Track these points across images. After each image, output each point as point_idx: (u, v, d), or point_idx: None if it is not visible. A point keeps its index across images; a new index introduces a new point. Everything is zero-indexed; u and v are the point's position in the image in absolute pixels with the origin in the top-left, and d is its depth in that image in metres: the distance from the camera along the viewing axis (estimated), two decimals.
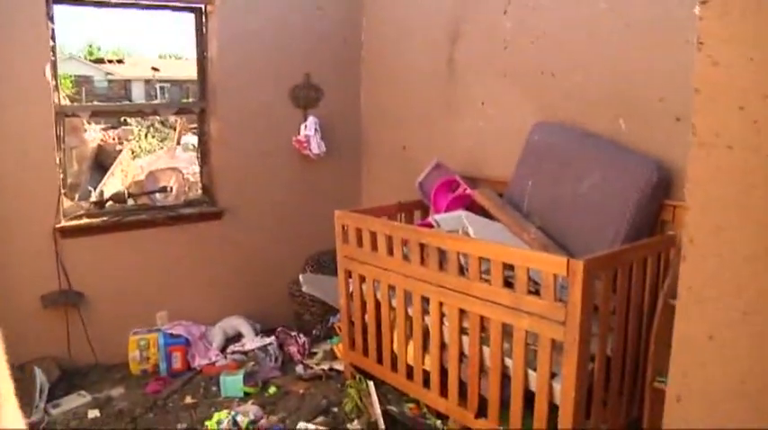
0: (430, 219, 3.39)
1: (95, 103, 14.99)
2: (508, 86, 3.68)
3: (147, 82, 25.80)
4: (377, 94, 4.73)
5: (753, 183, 1.08)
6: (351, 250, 3.57)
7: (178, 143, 10.74)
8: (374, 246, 3.38)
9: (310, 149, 4.47)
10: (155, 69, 25.97)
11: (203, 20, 4.26)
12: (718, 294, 1.15)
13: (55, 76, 3.79)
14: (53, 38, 3.76)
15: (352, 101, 4.84)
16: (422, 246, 3.08)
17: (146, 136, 13.20)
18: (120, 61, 27.54)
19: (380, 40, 4.64)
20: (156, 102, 17.70)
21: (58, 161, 3.82)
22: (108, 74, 25.39)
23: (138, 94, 24.92)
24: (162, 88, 25.39)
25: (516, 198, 3.35)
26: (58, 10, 3.77)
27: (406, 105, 4.42)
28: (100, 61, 26.86)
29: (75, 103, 4.79)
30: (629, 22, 3.02)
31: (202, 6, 4.21)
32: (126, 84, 25.63)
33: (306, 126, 4.50)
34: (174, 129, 12.42)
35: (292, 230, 4.64)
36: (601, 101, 3.17)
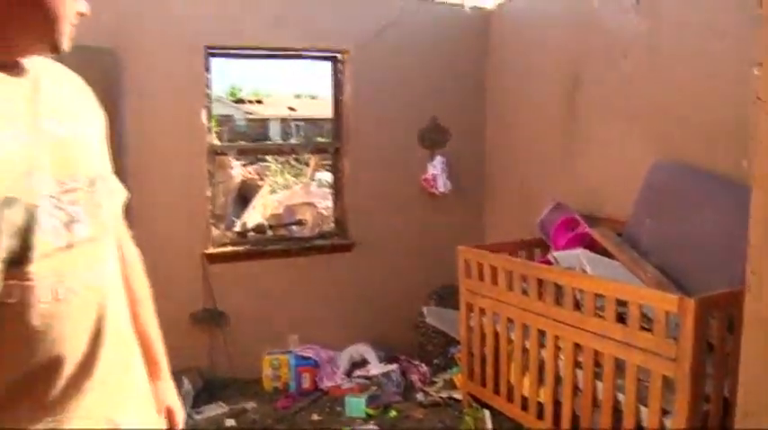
0: (549, 257, 3.53)
1: (240, 142, 15.96)
2: (627, 126, 3.75)
3: (284, 121, 27.09)
4: (500, 134, 4.92)
5: None
6: (472, 284, 3.75)
7: (312, 179, 11.30)
8: (495, 281, 3.55)
9: (437, 187, 4.72)
10: (291, 109, 27.24)
11: (339, 67, 4.63)
12: None
13: (209, 119, 4.25)
14: (208, 86, 4.23)
15: (477, 141, 5.05)
16: (540, 282, 3.21)
17: (282, 172, 13.87)
18: (258, 101, 29.11)
19: (504, 83, 4.85)
20: (292, 140, 18.58)
21: (209, 194, 4.26)
22: (247, 113, 26.92)
23: (275, 132, 26.17)
24: (297, 126, 26.53)
25: (634, 237, 3.42)
26: (213, 62, 4.25)
27: (528, 145, 4.58)
28: (240, 102, 28.51)
29: (224, 143, 5.30)
30: (752, 63, 3.06)
31: (338, 55, 4.59)
32: (264, 122, 27.04)
33: (433, 165, 4.75)
34: (308, 166, 13.03)
35: (418, 263, 4.86)
36: (722, 140, 3.20)
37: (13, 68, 1.07)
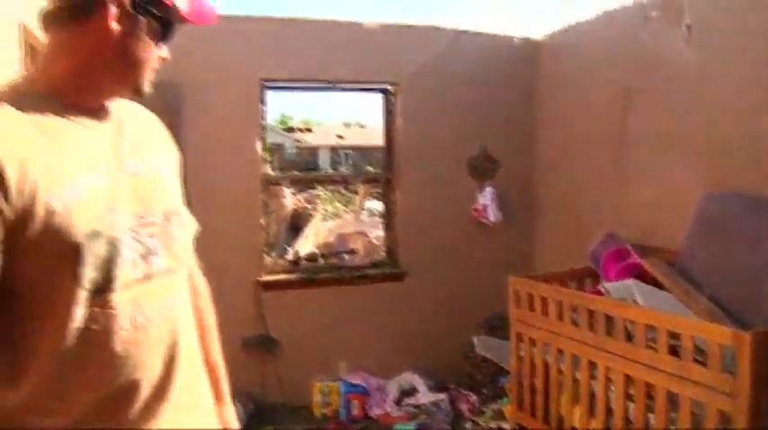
0: (600, 287, 3.52)
1: (293, 172, 16.27)
2: (679, 156, 3.73)
3: (333, 149, 27.47)
4: (550, 164, 4.93)
5: None
6: (522, 314, 3.76)
7: (361, 208, 11.42)
8: (545, 311, 3.55)
9: (487, 217, 4.75)
10: (340, 137, 27.62)
11: (390, 98, 4.73)
12: None
13: (263, 149, 4.38)
14: (263, 117, 4.37)
15: (527, 171, 5.07)
16: (591, 313, 3.21)
17: (331, 200, 14.04)
18: (308, 130, 29.60)
19: (553, 113, 4.87)
20: (342, 168, 18.79)
21: (262, 223, 4.37)
22: (297, 141, 27.39)
23: (324, 160, 26.53)
24: (346, 155, 26.86)
25: (686, 268, 3.39)
26: (268, 94, 4.39)
27: (579, 175, 4.58)
28: (291, 130, 29.04)
29: (277, 173, 5.45)
30: None
31: (389, 87, 4.69)
32: (314, 150, 27.46)
33: (483, 195, 4.79)
34: (357, 194, 13.16)
35: (467, 292, 4.87)
36: None
37: (99, 112, 1.18)
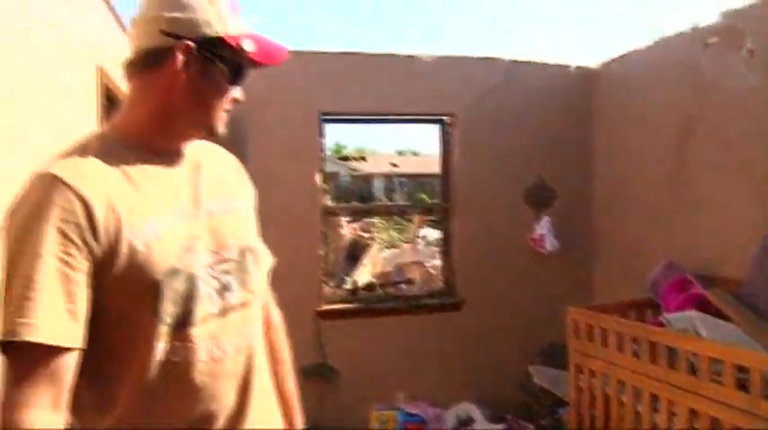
0: (661, 318, 3.47)
1: (353, 202, 16.51)
2: (742, 184, 3.67)
3: (387, 177, 27.61)
4: (608, 192, 4.90)
5: None
6: (582, 345, 3.72)
7: (416, 236, 11.47)
8: (605, 343, 3.51)
9: (544, 247, 4.74)
10: (394, 165, 27.76)
11: (447, 129, 4.78)
12: None
13: (323, 181, 4.47)
14: (322, 150, 4.47)
15: (584, 199, 5.04)
16: (652, 345, 3.17)
17: (386, 228, 14.11)
18: (362, 158, 29.85)
19: (611, 141, 4.85)
20: (396, 195, 18.88)
21: (321, 253, 4.45)
22: (351, 169, 27.63)
23: (378, 188, 26.67)
24: (400, 182, 26.94)
25: (751, 299, 3.32)
26: (327, 127, 4.50)
27: (638, 203, 4.54)
28: (345, 159, 29.35)
29: (336, 203, 5.58)
30: None
31: (446, 118, 4.75)
32: (368, 178, 27.64)
33: (540, 225, 4.78)
34: (412, 222, 13.21)
35: (525, 322, 4.85)
36: None
37: (177, 154, 1.26)
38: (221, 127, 1.28)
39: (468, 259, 4.77)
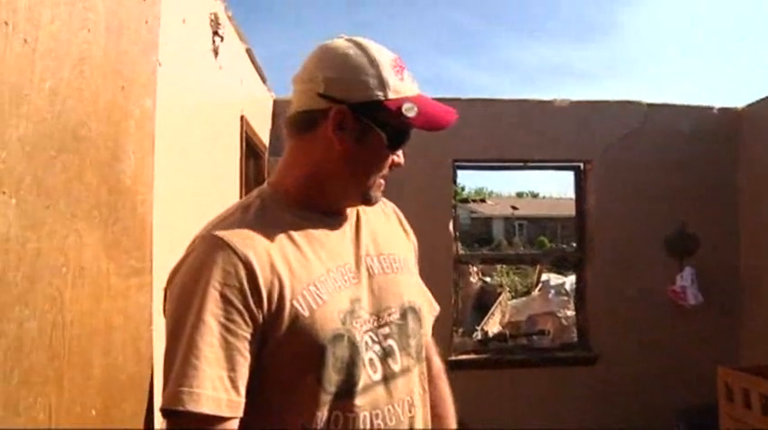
0: None
1: (483, 250, 16.55)
2: None
3: (507, 219, 27.31)
4: (757, 241, 4.56)
5: None
6: (735, 410, 3.45)
7: (537, 282, 11.22)
8: (765, 410, 3.23)
9: (687, 300, 4.45)
10: (514, 208, 27.45)
11: (582, 175, 4.63)
12: None
13: (455, 229, 4.42)
14: (454, 197, 4.43)
15: (731, 249, 4.72)
16: None
17: (507, 273, 13.93)
18: (482, 200, 29.72)
19: (759, 186, 4.54)
20: (519, 244, 18.60)
21: (453, 302, 4.37)
22: (472, 212, 27.53)
23: (498, 231, 26.41)
24: (520, 225, 26.59)
25: None
26: (460, 173, 4.47)
27: None
28: (464, 201, 29.30)
29: (468, 252, 5.54)
30: None
31: (581, 164, 4.60)
32: (487, 221, 27.44)
33: (682, 276, 4.51)
34: (533, 267, 12.96)
35: (666, 381, 4.54)
36: None
37: (338, 214, 1.23)
38: (378, 196, 1.23)
39: (604, 311, 4.55)
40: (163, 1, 1.38)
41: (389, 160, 1.21)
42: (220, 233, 1.07)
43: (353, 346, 1.12)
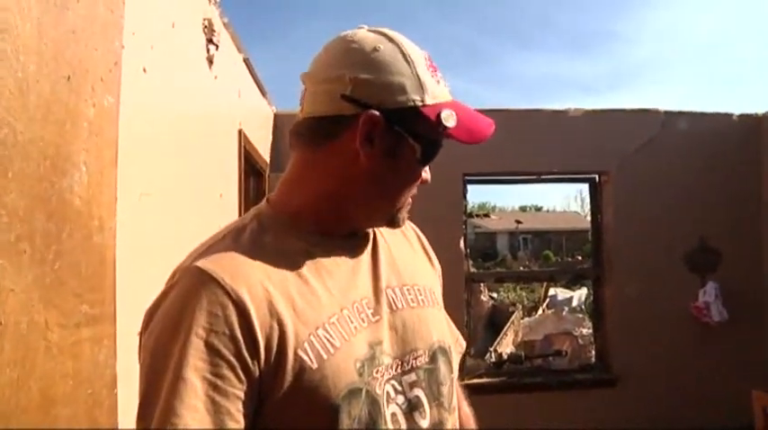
0: None
1: (497, 269, 16.44)
2: None
3: (511, 234, 27.20)
4: None
5: None
6: None
7: (545, 297, 11.01)
8: None
9: (710, 317, 4.25)
10: (518, 222, 27.34)
11: (597, 188, 4.43)
12: None
13: (466, 246, 4.21)
14: (465, 213, 4.23)
15: (755, 263, 4.53)
16: None
17: (514, 288, 13.77)
18: (486, 215, 29.60)
19: None
20: (524, 258, 18.44)
21: (465, 323, 4.15)
22: (476, 227, 27.39)
23: (502, 246, 26.29)
24: (524, 239, 26.48)
25: None
26: (470, 188, 4.29)
27: None
28: (469, 216, 29.21)
29: (481, 270, 5.36)
30: None
31: (597, 177, 4.40)
32: (491, 235, 27.29)
33: (704, 292, 4.30)
34: (539, 282, 12.78)
35: (690, 403, 4.31)
36: None
37: (351, 237, 1.02)
38: (405, 218, 1.04)
39: (623, 330, 4.35)
40: (148, 0, 1.15)
41: (420, 177, 1.00)
42: (206, 264, 0.85)
43: (373, 402, 0.89)
